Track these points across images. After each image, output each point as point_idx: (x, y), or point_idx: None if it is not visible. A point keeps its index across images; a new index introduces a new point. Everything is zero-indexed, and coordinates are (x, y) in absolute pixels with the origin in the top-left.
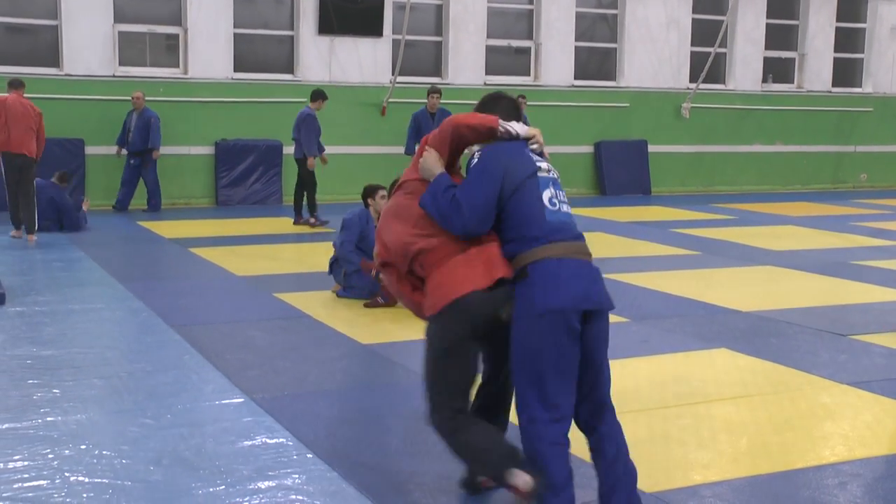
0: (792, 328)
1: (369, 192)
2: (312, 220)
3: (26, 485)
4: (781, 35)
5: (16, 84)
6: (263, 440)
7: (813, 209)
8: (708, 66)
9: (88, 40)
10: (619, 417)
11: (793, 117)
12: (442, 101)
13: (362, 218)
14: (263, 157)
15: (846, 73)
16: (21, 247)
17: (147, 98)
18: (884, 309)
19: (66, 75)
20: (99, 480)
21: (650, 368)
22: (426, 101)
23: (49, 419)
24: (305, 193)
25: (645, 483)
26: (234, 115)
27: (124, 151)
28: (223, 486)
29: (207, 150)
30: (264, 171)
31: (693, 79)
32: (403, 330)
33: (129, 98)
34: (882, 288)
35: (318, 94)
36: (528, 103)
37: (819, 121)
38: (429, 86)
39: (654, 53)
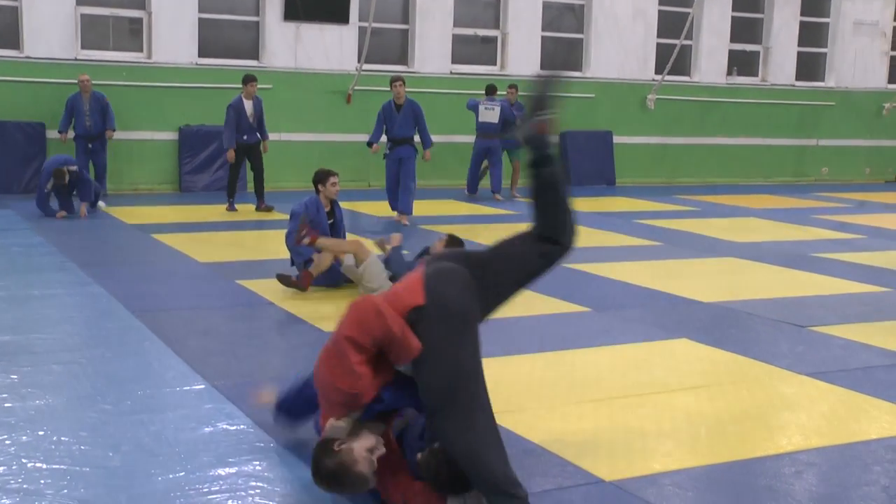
0: (752, 319)
1: (321, 178)
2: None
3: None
4: (746, 28)
5: None
6: (224, 427)
7: (775, 202)
8: (673, 57)
9: (50, 22)
10: (580, 407)
11: (756, 110)
12: (408, 89)
13: (311, 206)
14: None
15: (809, 67)
16: None
17: (110, 83)
18: (842, 301)
19: (27, 58)
20: (57, 466)
21: (612, 358)
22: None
23: (6, 405)
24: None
25: (604, 471)
26: (198, 100)
27: (70, 136)
28: (183, 473)
29: (171, 135)
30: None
31: (659, 70)
32: None
33: (93, 82)
34: (841, 280)
35: (245, 79)
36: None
37: (782, 114)
38: (396, 73)
39: (621, 44)
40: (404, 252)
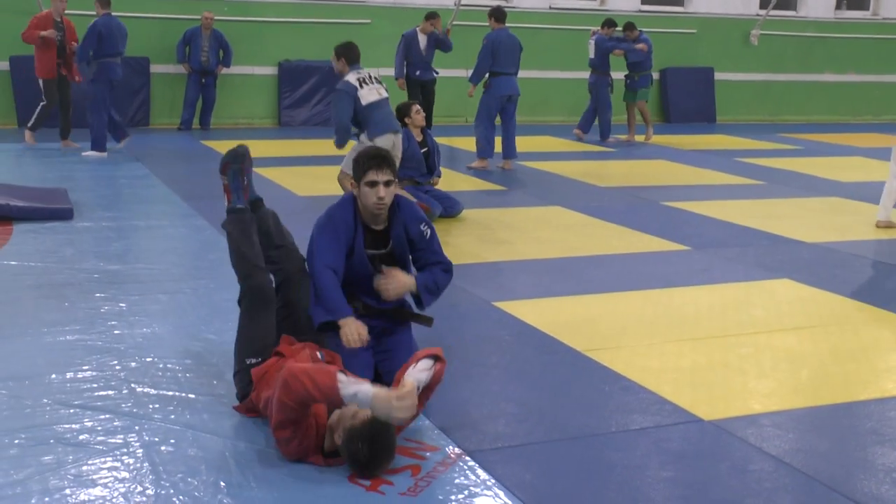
0: (857, 260)
1: (404, 111)
2: None
3: (95, 394)
4: None
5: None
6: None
7: (884, 140)
8: None
9: None
10: (678, 345)
11: (867, 46)
12: (509, 24)
13: (402, 139)
14: (326, 78)
15: None
16: (87, 163)
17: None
18: None
19: None
20: (164, 392)
21: (711, 297)
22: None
23: (116, 332)
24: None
25: (703, 410)
26: (298, 35)
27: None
28: None
29: (271, 70)
30: (327, 93)
31: (763, 5)
32: (466, 253)
33: (195, 17)
34: None
35: (427, 15)
36: (595, 28)
37: (894, 50)
38: (492, 8)
39: None
40: None
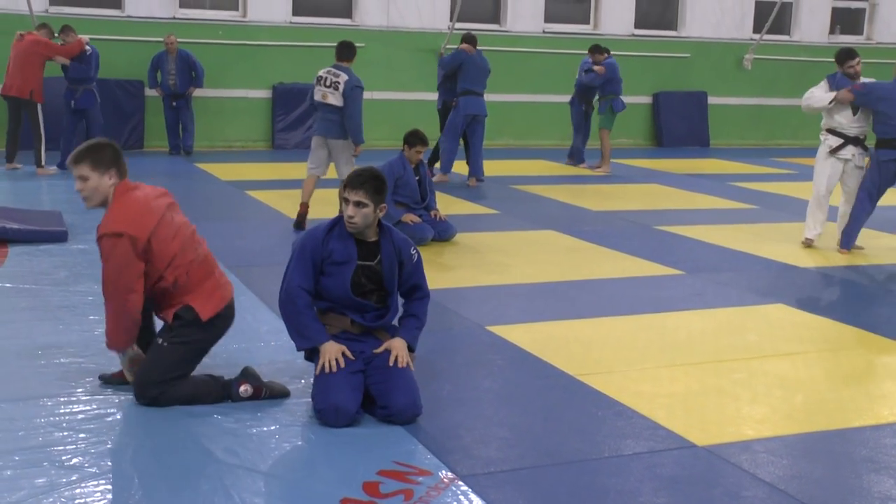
0: (851, 285)
1: (410, 141)
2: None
3: (89, 416)
4: None
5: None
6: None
7: None
8: (773, 16)
9: None
10: (672, 370)
11: (861, 70)
12: (500, 48)
13: (396, 165)
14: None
15: None
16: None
17: (206, 41)
18: None
19: (127, 17)
20: (158, 414)
21: (704, 321)
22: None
23: (110, 354)
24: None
25: (696, 436)
26: (291, 58)
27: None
28: (275, 426)
29: (265, 93)
30: None
31: (757, 29)
32: (459, 276)
33: (189, 40)
34: None
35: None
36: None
37: (888, 74)
38: (487, 32)
39: (718, 2)
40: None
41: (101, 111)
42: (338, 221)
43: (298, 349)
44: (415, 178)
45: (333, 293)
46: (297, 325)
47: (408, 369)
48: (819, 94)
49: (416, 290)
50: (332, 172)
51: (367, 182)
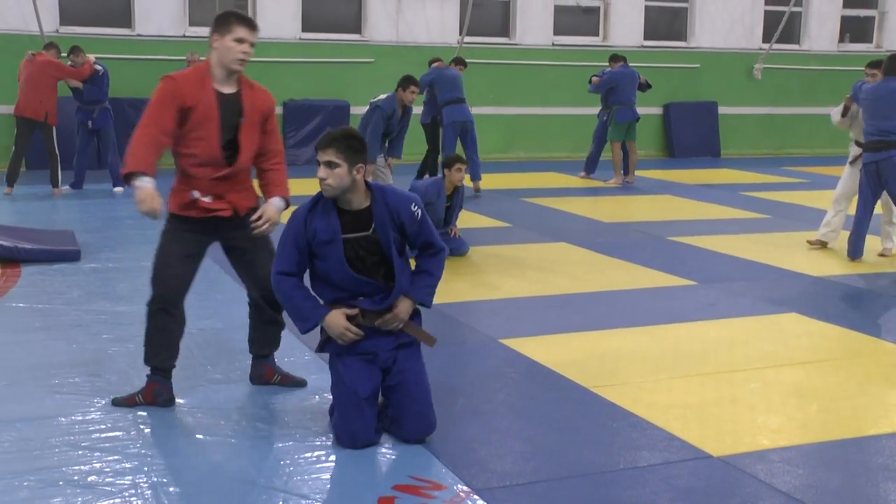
0: (864, 293)
1: (447, 163)
2: None
3: (103, 435)
4: None
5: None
6: (329, 396)
7: None
8: (782, 25)
9: (159, 0)
10: (686, 381)
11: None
12: (510, 61)
13: (432, 190)
14: (330, 117)
15: None
16: (94, 204)
17: None
18: None
19: (138, 35)
20: (172, 433)
21: (718, 332)
22: (450, 66)
23: (124, 373)
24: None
25: (712, 446)
26: (302, 75)
27: None
28: (291, 442)
29: (276, 109)
30: None
31: (766, 39)
32: (472, 290)
33: (201, 59)
34: None
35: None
36: (597, 63)
37: None
38: (496, 45)
39: (727, 12)
40: None
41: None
42: (318, 198)
43: (303, 332)
44: (444, 205)
45: (334, 276)
46: (292, 309)
47: (424, 387)
48: (834, 111)
49: (428, 247)
50: None
51: (336, 140)
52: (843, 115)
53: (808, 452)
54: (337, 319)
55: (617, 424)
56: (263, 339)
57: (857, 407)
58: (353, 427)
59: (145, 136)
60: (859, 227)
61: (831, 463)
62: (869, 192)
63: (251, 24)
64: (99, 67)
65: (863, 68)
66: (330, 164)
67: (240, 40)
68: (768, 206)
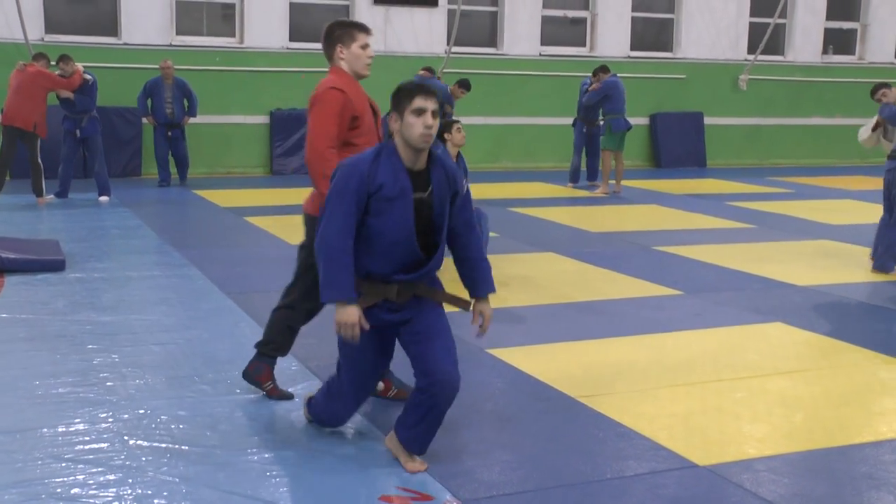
0: (849, 303)
1: (445, 128)
2: None
3: (87, 447)
4: (843, 5)
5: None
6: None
7: (872, 183)
8: (767, 37)
9: (146, 9)
10: (672, 390)
11: (853, 89)
12: (497, 71)
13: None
14: None
15: None
16: (80, 214)
17: (203, 68)
18: None
19: (125, 44)
20: (157, 444)
21: (704, 341)
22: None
23: (108, 384)
24: None
25: (698, 456)
26: (289, 84)
27: (144, 121)
28: (277, 453)
29: (263, 119)
30: None
31: (751, 50)
32: None
33: (186, 67)
34: None
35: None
36: (584, 74)
37: None
38: (484, 56)
39: (712, 24)
40: None
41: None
42: (381, 150)
43: (324, 302)
44: None
45: (390, 237)
46: (329, 270)
47: (447, 332)
48: (863, 129)
49: (470, 228)
50: None
51: (433, 90)
52: (874, 129)
53: (793, 461)
54: (354, 312)
55: (603, 434)
56: None
57: (841, 416)
58: (347, 412)
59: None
60: (879, 236)
61: (816, 472)
62: (886, 200)
63: (369, 30)
64: (88, 77)
65: (847, 80)
66: (435, 114)
67: (364, 46)
68: (754, 216)
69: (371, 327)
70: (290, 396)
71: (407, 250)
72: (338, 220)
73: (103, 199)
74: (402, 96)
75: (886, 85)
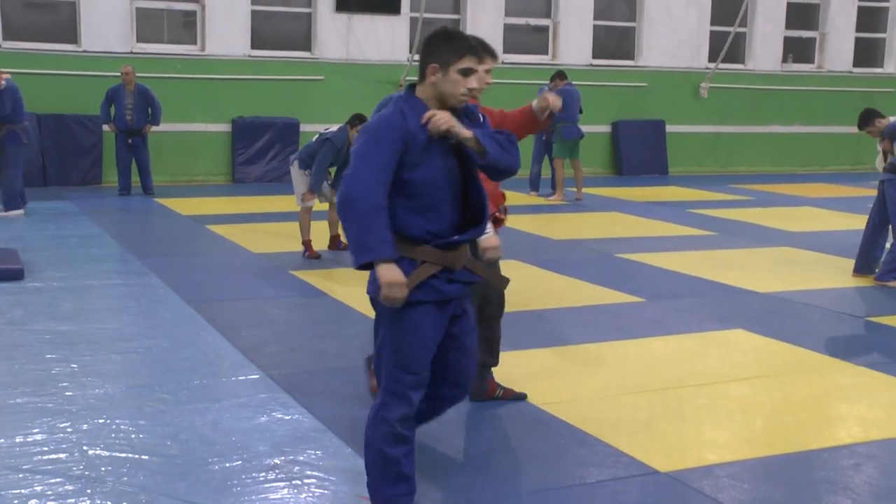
0: (809, 309)
1: (354, 122)
2: None
3: (46, 457)
4: (802, 14)
5: None
6: (279, 416)
7: (832, 190)
8: (727, 45)
9: (106, 16)
10: (634, 397)
11: (813, 98)
12: None
13: (339, 137)
14: (280, 134)
15: (868, 53)
16: (38, 222)
17: (164, 75)
18: None
19: (84, 52)
20: (117, 454)
21: (665, 348)
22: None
23: (68, 394)
24: None
25: (659, 462)
26: (251, 92)
27: (106, 128)
28: (239, 462)
29: (224, 127)
30: (281, 149)
31: (712, 58)
32: None
33: (147, 75)
34: None
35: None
36: (546, 82)
37: (839, 101)
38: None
39: (674, 32)
40: None
41: (26, 151)
42: (401, 105)
43: (356, 266)
44: None
45: (434, 186)
46: (362, 229)
47: (473, 345)
48: (878, 160)
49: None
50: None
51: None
52: (885, 158)
53: (753, 467)
54: (398, 270)
55: (565, 441)
56: (484, 349)
57: (800, 422)
58: (420, 377)
59: None
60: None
61: (776, 477)
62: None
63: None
64: (3, 83)
65: (806, 88)
66: (487, 73)
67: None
68: (715, 223)
69: (431, 303)
70: (522, 397)
71: (454, 198)
72: (370, 173)
73: (9, 213)
74: (447, 49)
75: (871, 118)
